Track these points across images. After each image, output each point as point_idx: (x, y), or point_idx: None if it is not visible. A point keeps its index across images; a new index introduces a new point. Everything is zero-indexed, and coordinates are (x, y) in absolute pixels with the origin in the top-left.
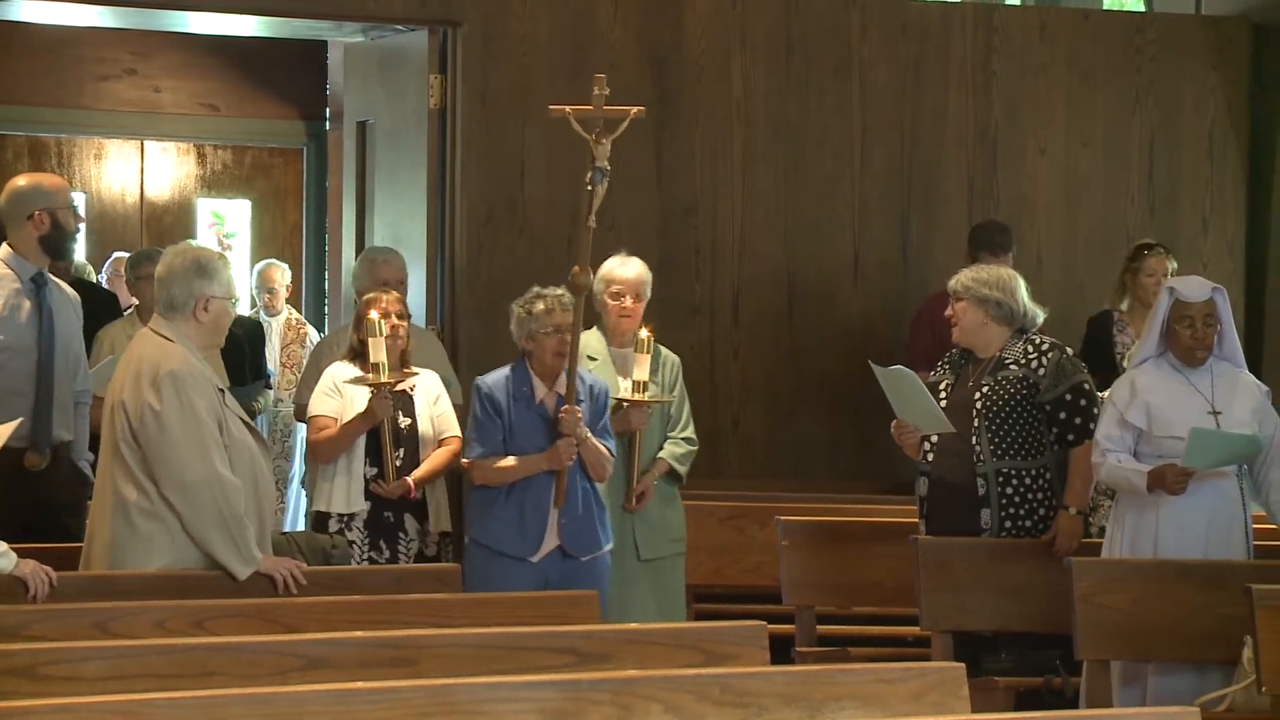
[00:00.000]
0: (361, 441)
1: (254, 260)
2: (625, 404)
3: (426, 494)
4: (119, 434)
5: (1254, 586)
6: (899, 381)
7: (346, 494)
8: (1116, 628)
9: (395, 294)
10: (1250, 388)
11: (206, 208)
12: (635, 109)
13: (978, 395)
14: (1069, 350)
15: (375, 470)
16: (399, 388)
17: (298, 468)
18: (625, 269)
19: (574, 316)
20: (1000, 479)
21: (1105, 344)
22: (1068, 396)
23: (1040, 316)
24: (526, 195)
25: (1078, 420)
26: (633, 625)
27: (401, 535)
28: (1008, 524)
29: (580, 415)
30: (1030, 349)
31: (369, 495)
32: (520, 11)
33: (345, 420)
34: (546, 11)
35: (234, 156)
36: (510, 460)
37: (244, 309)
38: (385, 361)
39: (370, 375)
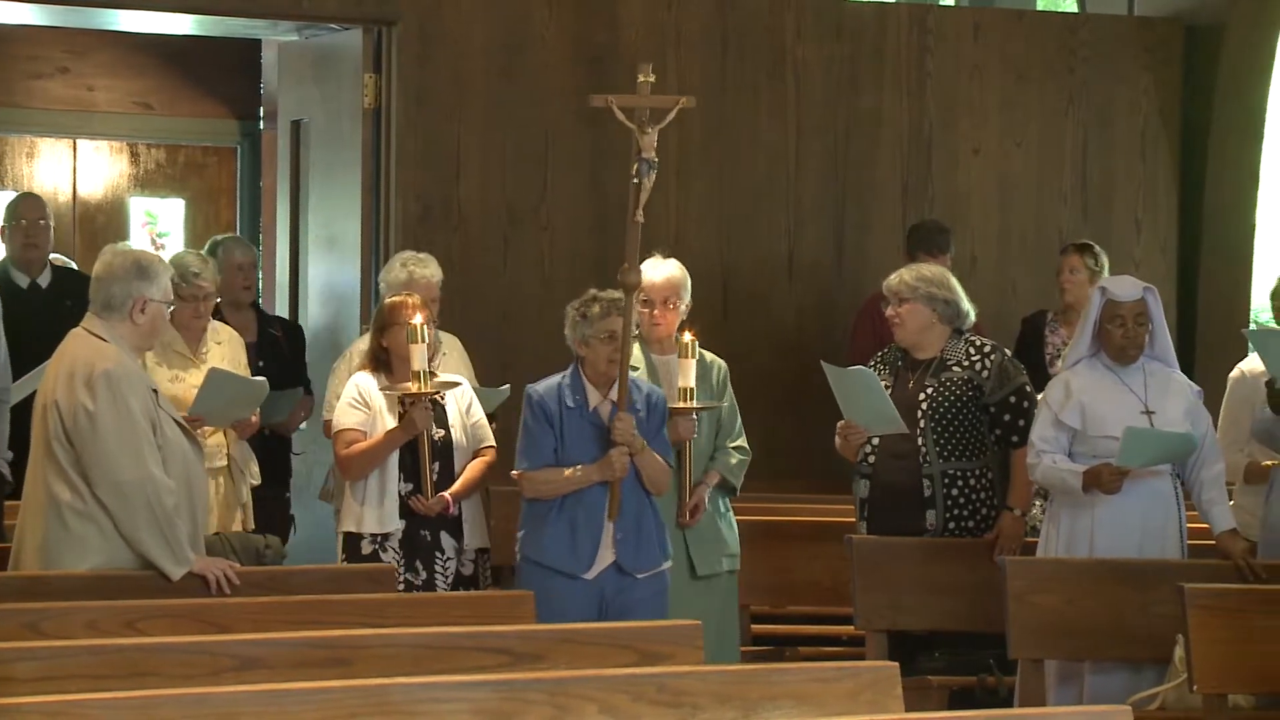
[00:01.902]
0: (394, 456)
1: None
2: (672, 412)
3: (463, 509)
4: (52, 433)
5: (1186, 586)
6: (854, 382)
7: (380, 513)
8: (1050, 627)
9: (419, 296)
10: (1183, 387)
11: (139, 207)
12: (684, 98)
13: (923, 396)
14: (1008, 351)
15: (410, 486)
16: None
17: None
18: (655, 272)
19: (626, 318)
20: (946, 480)
21: (1037, 344)
22: (1011, 399)
23: (972, 315)
24: (461, 194)
25: (1021, 422)
26: (565, 625)
27: (438, 554)
28: (952, 525)
29: (634, 423)
30: (972, 350)
31: (404, 513)
32: (455, 11)
33: (374, 434)
34: (481, 11)
35: (167, 155)
36: (562, 471)
37: None
38: (425, 369)
39: (412, 385)
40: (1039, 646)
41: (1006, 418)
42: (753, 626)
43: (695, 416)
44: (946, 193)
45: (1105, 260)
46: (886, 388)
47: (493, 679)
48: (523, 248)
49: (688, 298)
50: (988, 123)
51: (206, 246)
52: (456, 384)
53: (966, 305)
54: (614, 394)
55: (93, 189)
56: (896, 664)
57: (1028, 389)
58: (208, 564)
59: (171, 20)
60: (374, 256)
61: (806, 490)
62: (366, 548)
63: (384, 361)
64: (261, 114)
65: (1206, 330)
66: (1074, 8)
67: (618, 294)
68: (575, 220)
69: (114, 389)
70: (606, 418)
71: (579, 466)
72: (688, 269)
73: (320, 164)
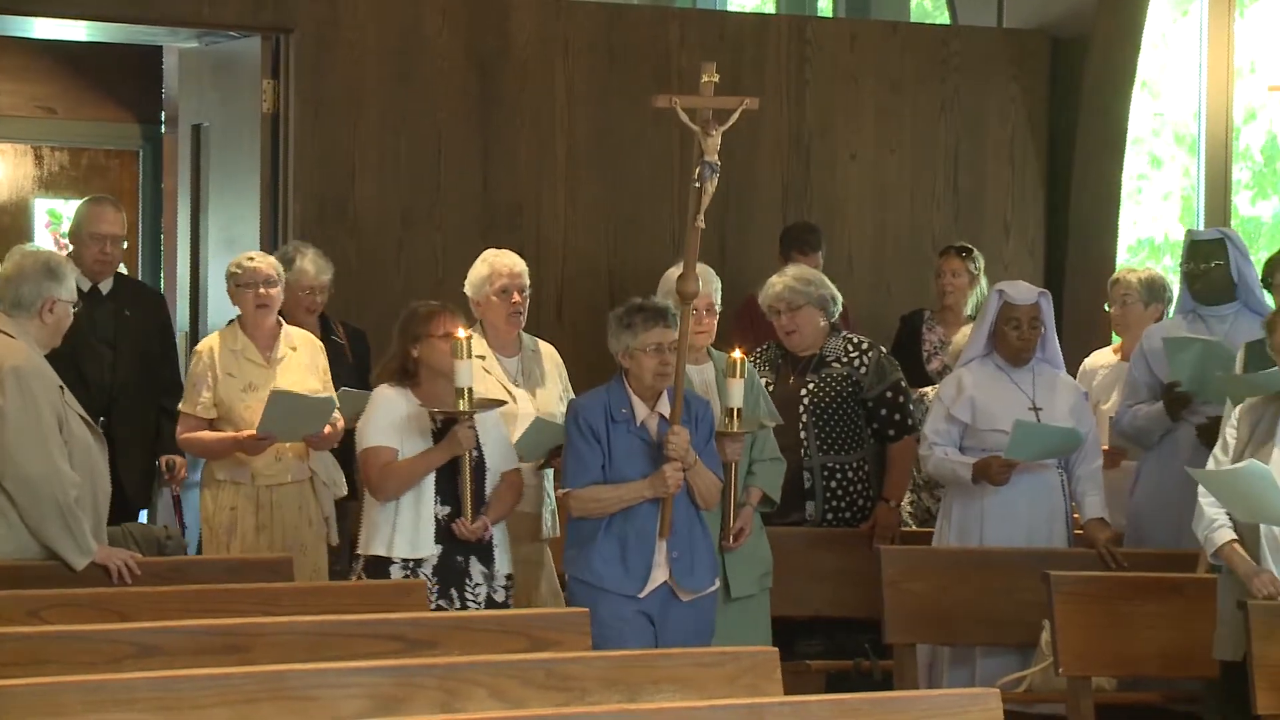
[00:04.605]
0: (430, 477)
1: None
2: (719, 436)
3: (494, 534)
4: None
5: (1051, 573)
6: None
7: (414, 536)
8: (923, 613)
9: (457, 310)
10: (1070, 386)
11: (43, 208)
12: (748, 99)
13: (804, 392)
14: (884, 349)
15: (448, 509)
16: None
17: None
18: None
19: (681, 328)
20: (825, 472)
21: (915, 342)
22: (888, 394)
23: (840, 303)
24: (357, 197)
25: (897, 417)
26: (458, 612)
27: (468, 581)
28: (830, 515)
29: (689, 436)
30: (850, 347)
31: (438, 538)
32: (350, 19)
33: (404, 452)
34: (376, 19)
35: (71, 158)
36: (611, 489)
37: None
38: (470, 387)
39: (462, 403)
40: (912, 632)
41: (883, 412)
42: None
43: (742, 439)
44: (824, 196)
45: (981, 262)
46: (767, 385)
47: (386, 665)
48: (416, 248)
49: (718, 303)
50: (864, 129)
51: (279, 253)
52: (502, 403)
53: (838, 294)
54: (661, 406)
55: None
56: (776, 649)
57: (903, 384)
58: (110, 554)
59: (73, 27)
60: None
61: None
62: (396, 573)
63: (411, 374)
64: (163, 118)
65: (1072, 327)
66: (946, 20)
67: (663, 302)
68: (467, 222)
69: (22, 385)
70: (655, 431)
71: (628, 482)
72: (576, 270)
73: (220, 167)
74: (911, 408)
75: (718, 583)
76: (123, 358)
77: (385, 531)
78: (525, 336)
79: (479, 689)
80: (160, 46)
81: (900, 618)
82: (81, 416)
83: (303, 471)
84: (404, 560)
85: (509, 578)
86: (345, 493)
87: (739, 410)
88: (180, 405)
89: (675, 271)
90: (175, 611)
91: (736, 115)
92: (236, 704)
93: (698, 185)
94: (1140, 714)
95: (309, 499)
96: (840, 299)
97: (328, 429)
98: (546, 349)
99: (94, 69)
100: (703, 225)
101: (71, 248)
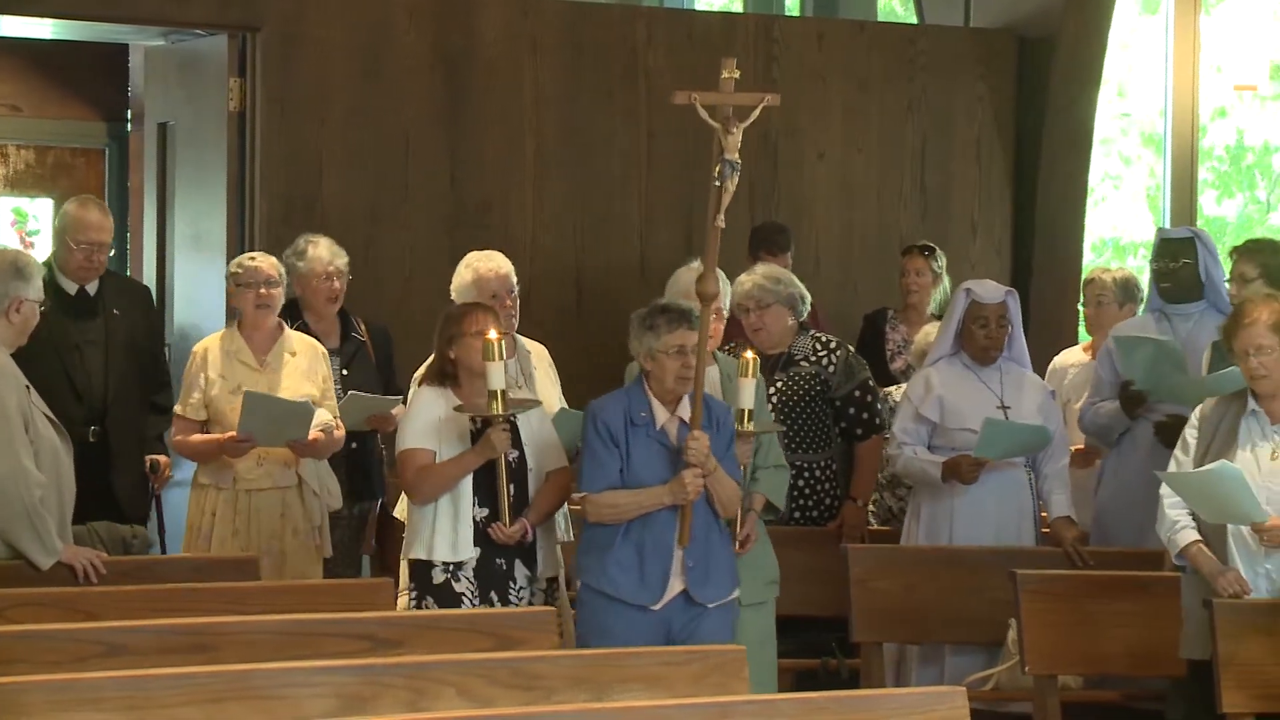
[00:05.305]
0: (468, 479)
1: None
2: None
3: (537, 536)
4: None
5: (1018, 571)
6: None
7: (453, 539)
8: (889, 612)
9: (491, 308)
10: (1037, 385)
11: (8, 205)
12: (769, 95)
13: (773, 391)
14: (851, 348)
15: (486, 511)
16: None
17: None
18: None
19: (701, 330)
20: (793, 471)
21: (878, 341)
22: (856, 393)
23: (809, 301)
24: (324, 195)
25: (865, 415)
26: (426, 611)
27: (511, 584)
28: (798, 514)
29: (709, 442)
30: (818, 346)
31: (478, 540)
32: (317, 17)
33: (441, 455)
34: (343, 17)
35: (36, 156)
36: (628, 494)
37: None
38: (503, 388)
39: (495, 405)
40: (879, 630)
41: (851, 411)
42: None
43: (753, 441)
44: (792, 195)
45: (944, 261)
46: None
47: (353, 664)
48: (384, 247)
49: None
50: (831, 128)
51: (291, 248)
52: (536, 403)
53: (807, 294)
54: (682, 411)
55: None
56: (743, 648)
57: (871, 384)
58: (76, 553)
59: (39, 24)
60: (239, 254)
61: None
62: (438, 577)
63: (450, 375)
64: (129, 116)
65: (1039, 326)
66: (913, 19)
67: (687, 304)
68: (435, 220)
69: None
70: (675, 436)
71: (646, 488)
72: (544, 269)
73: (186, 165)
74: (880, 407)
75: (737, 591)
76: (115, 361)
77: (425, 535)
78: (519, 338)
79: (446, 688)
80: (126, 44)
81: (867, 616)
82: (47, 416)
83: (287, 478)
84: (445, 564)
85: (551, 580)
86: (340, 504)
87: (750, 411)
88: (175, 406)
89: (685, 272)
90: (142, 611)
91: (758, 112)
92: (203, 703)
93: (718, 184)
94: (1106, 712)
95: (294, 506)
96: (809, 298)
97: (317, 435)
98: (536, 348)
99: (60, 67)
100: (723, 224)
101: (52, 248)
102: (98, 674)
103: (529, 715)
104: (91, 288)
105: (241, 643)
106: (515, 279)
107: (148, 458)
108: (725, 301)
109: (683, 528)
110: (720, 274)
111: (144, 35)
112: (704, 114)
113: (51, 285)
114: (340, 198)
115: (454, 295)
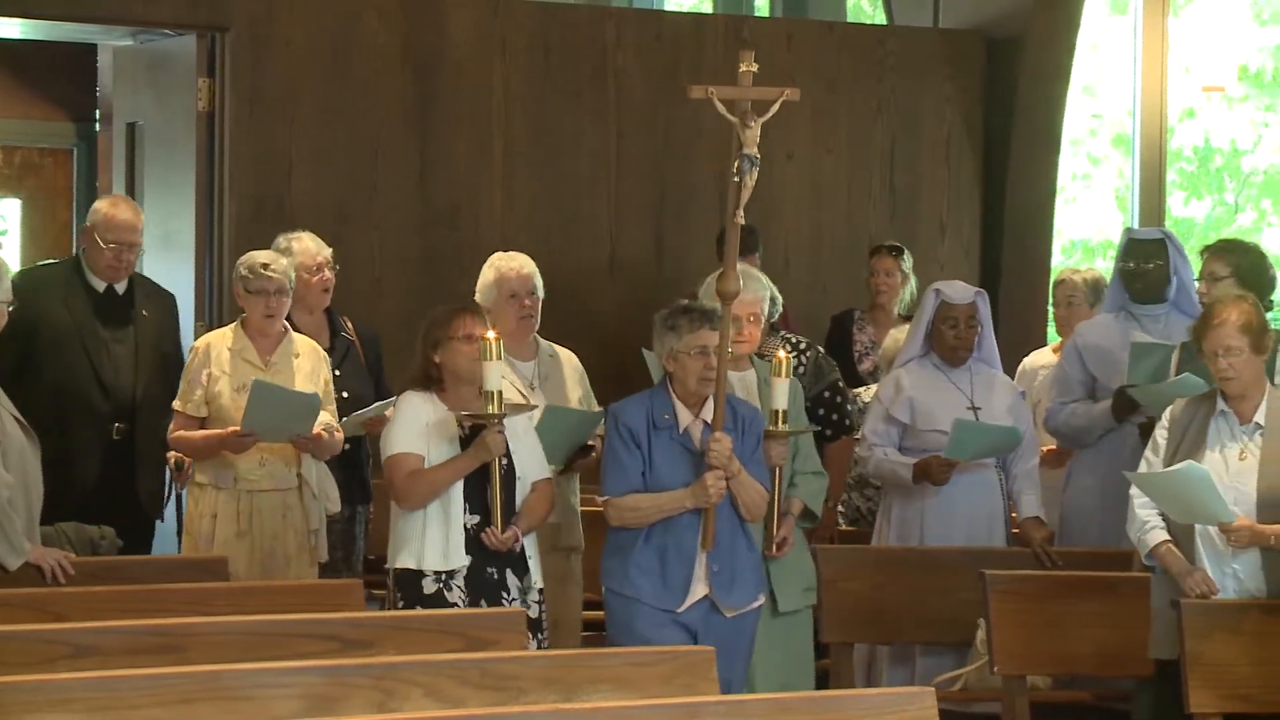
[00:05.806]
0: (458, 485)
1: (26, 258)
2: (764, 435)
3: (525, 546)
4: None
5: (986, 572)
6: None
7: (444, 548)
8: (858, 612)
9: (478, 309)
10: (1007, 386)
11: None
12: (788, 90)
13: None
14: (821, 349)
15: (477, 518)
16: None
17: None
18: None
19: (722, 329)
20: None
21: (845, 342)
22: (825, 394)
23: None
24: (293, 195)
25: (835, 417)
26: (394, 612)
27: (504, 594)
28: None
29: (730, 444)
30: (788, 347)
31: (469, 548)
32: (286, 17)
33: (431, 460)
34: (312, 17)
35: (4, 156)
36: (650, 498)
37: None
38: (499, 390)
39: (490, 407)
40: (849, 631)
41: (821, 412)
42: (585, 613)
43: (787, 442)
44: (761, 195)
45: (911, 261)
46: None
47: (321, 665)
48: (353, 247)
49: (768, 307)
50: (800, 129)
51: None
52: (532, 407)
53: (778, 295)
54: (706, 413)
55: None
56: (713, 649)
57: (840, 385)
58: (43, 554)
59: (6, 24)
60: (208, 255)
61: None
62: (430, 586)
63: (435, 380)
64: (98, 116)
65: (1009, 326)
66: (882, 20)
67: (709, 305)
68: (404, 221)
69: None
70: (698, 439)
71: (669, 491)
72: None
73: (156, 165)
74: (849, 408)
75: (762, 598)
76: (144, 361)
77: (415, 543)
78: (543, 342)
79: (415, 689)
80: (95, 44)
81: (837, 617)
82: (15, 417)
83: (288, 479)
84: (436, 573)
85: (541, 592)
86: (338, 508)
87: (784, 412)
88: (174, 402)
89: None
90: (110, 611)
91: (776, 106)
92: (172, 704)
93: (737, 179)
94: (1075, 712)
95: (294, 509)
96: (780, 299)
97: (320, 431)
98: (566, 355)
99: (28, 67)
100: (742, 220)
101: (82, 246)
102: (66, 675)
103: (498, 716)
104: (120, 287)
105: (210, 644)
106: (539, 280)
107: (171, 455)
108: (762, 306)
109: (706, 531)
110: (763, 279)
111: (112, 35)
112: (721, 109)
113: (80, 282)
114: (309, 198)
115: (477, 295)
